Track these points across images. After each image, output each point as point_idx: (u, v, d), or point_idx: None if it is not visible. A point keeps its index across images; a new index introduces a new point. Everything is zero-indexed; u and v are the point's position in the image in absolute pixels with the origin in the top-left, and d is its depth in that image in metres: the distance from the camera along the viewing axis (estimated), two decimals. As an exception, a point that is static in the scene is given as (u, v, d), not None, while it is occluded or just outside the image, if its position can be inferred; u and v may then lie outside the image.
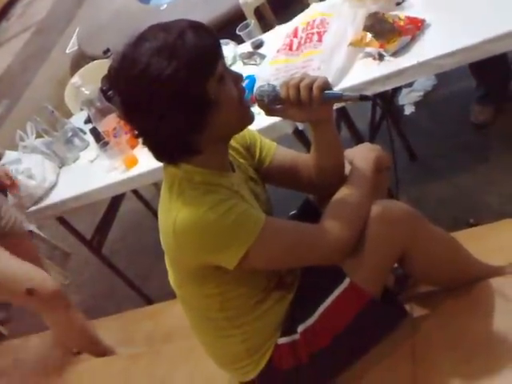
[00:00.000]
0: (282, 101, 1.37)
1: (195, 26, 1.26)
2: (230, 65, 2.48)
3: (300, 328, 1.46)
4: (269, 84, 1.40)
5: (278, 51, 2.23)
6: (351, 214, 1.40)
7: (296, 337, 1.47)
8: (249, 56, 2.43)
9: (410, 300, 1.71)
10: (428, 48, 1.82)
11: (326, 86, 1.34)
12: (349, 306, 1.46)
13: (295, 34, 2.23)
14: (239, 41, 2.58)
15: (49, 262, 3.51)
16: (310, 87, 1.32)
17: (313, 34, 2.16)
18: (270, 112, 1.42)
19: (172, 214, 1.30)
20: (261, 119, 1.48)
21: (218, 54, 1.27)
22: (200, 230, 1.28)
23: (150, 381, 2.24)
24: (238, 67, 2.44)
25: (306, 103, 1.34)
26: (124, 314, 2.80)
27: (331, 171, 1.52)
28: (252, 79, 2.22)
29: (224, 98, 1.27)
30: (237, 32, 2.56)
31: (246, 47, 2.51)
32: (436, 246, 1.53)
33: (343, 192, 1.44)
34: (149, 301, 2.79)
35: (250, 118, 1.37)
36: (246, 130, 1.49)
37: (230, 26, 2.67)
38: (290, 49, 2.19)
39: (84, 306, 3.27)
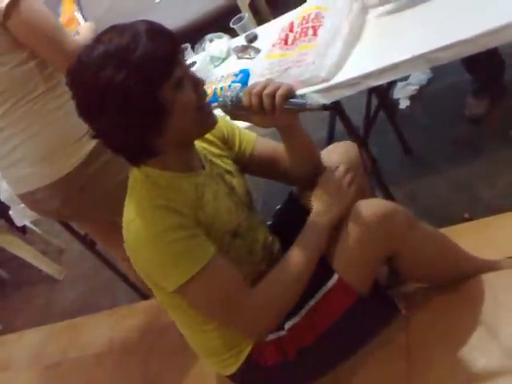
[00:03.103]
0: (245, 108, 1.35)
1: (152, 30, 1.22)
2: (224, 59, 2.47)
3: (287, 325, 1.45)
4: (233, 90, 1.38)
5: (273, 45, 2.21)
6: (279, 299, 1.39)
7: (282, 333, 1.46)
8: (243, 50, 2.41)
9: (402, 295, 1.71)
10: (423, 42, 1.81)
11: (289, 93, 1.31)
12: (337, 303, 1.46)
13: (291, 29, 2.21)
14: (233, 34, 2.57)
15: (43, 257, 3.52)
16: (272, 95, 1.30)
17: (308, 28, 2.15)
18: (234, 117, 1.41)
19: (127, 217, 1.32)
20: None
21: (174, 60, 1.23)
22: (148, 247, 1.28)
23: (143, 376, 2.24)
24: (232, 61, 2.43)
25: (268, 111, 1.32)
26: (119, 309, 2.80)
27: (304, 166, 1.55)
28: (246, 73, 2.20)
29: (180, 104, 1.24)
30: (230, 25, 2.54)
31: (240, 41, 2.49)
32: (425, 245, 1.52)
33: (283, 266, 1.41)
34: (144, 296, 2.78)
35: (210, 123, 1.34)
36: (223, 121, 1.48)
37: (225, 19, 2.65)
38: (286, 43, 2.17)
39: (79, 301, 3.28)
